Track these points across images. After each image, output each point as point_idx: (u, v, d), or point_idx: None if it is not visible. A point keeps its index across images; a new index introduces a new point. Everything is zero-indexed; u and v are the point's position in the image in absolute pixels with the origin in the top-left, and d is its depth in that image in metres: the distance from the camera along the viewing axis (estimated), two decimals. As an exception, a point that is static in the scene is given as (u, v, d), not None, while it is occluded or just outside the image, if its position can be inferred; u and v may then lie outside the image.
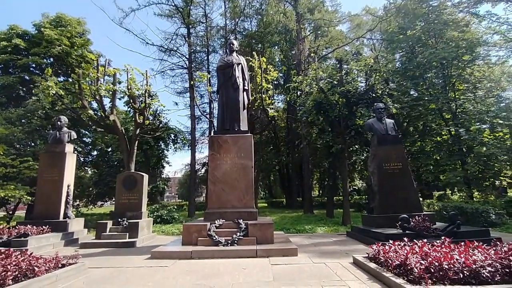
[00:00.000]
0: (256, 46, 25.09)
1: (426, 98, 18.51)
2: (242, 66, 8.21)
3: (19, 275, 3.97)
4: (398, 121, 20.26)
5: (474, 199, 15.59)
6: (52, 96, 11.51)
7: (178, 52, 21.74)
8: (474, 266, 3.36)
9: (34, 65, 19.28)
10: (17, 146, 15.33)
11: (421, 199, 25.44)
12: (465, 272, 3.35)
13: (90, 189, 20.44)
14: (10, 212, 15.72)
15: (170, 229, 11.57)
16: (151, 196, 21.05)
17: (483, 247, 4.03)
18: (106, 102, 14.48)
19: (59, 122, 9.07)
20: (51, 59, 20.10)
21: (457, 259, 3.50)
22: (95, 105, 16.66)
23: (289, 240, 6.76)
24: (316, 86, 13.60)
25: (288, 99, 19.36)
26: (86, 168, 22.91)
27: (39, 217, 8.01)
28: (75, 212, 22.30)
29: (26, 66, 18.40)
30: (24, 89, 18.46)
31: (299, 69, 20.53)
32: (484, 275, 3.30)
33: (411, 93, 20.19)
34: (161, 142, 18.52)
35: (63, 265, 4.66)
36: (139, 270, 4.90)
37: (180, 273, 4.58)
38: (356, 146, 15.63)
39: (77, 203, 23.49)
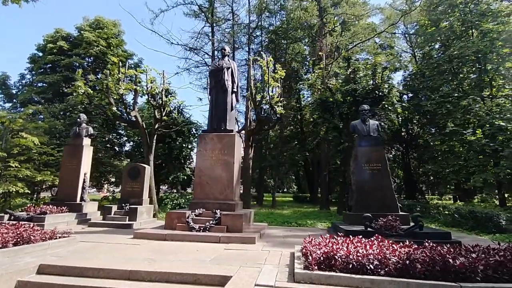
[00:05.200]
0: (280, 42, 25.45)
1: (456, 95, 17.73)
2: (232, 70, 8.94)
3: (20, 241, 5.21)
4: (433, 119, 19.65)
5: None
6: (82, 95, 13.20)
7: (202, 51, 22.96)
8: (360, 259, 3.83)
9: (77, 64, 21.63)
10: (59, 137, 17.58)
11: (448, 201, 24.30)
12: (354, 263, 3.85)
13: (126, 177, 22.56)
14: (55, 195, 18.22)
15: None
16: (174, 185, 22.73)
17: (400, 245, 4.42)
18: (130, 99, 16.04)
19: (79, 119, 10.64)
20: (91, 58, 22.42)
21: (351, 252, 3.99)
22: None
23: (259, 231, 7.46)
24: (322, 85, 13.87)
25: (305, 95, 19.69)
26: (121, 158, 25.22)
27: (60, 199, 9.64)
28: (111, 196, 24.87)
29: (69, 66, 20.77)
30: (67, 86, 20.87)
31: (325, 65, 20.61)
32: (369, 267, 3.77)
33: (440, 89, 19.38)
34: (182, 136, 19.93)
35: (58, 238, 5.86)
36: (117, 245, 5.98)
37: (144, 250, 5.55)
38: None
39: (113, 188, 26.09)
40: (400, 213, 7.95)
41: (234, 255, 5.24)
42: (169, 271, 4.10)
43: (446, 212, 13.54)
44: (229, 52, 9.30)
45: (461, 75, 19.49)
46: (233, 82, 8.92)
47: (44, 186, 15.68)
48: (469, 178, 17.01)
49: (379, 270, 3.79)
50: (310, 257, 4.01)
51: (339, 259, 3.91)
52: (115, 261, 4.64)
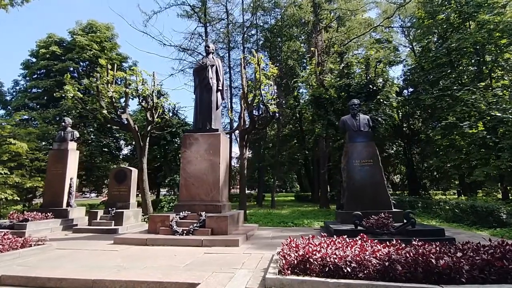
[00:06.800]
0: (275, 40, 25.16)
1: (455, 88, 17.39)
2: (216, 68, 8.69)
3: (-12, 251, 4.99)
4: (434, 113, 19.37)
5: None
6: (71, 99, 13.01)
7: (196, 51, 22.74)
8: (337, 262, 3.55)
9: (71, 69, 21.49)
10: (52, 142, 17.45)
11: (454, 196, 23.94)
12: (331, 266, 3.57)
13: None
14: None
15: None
16: (172, 188, 22.56)
17: (384, 245, 4.13)
18: (123, 101, 15.81)
19: (63, 123, 10.46)
20: (86, 63, 22.29)
21: (328, 254, 3.70)
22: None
23: (246, 233, 7.19)
24: (316, 81, 13.57)
25: (295, 94, 19.44)
26: (119, 161, 25.05)
27: (46, 205, 9.45)
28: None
29: (63, 70, 20.62)
30: (60, 91, 20.74)
31: (316, 62, 20.28)
32: (346, 270, 3.49)
33: (440, 82, 19.08)
34: (178, 138, 19.74)
35: (32, 245, 5.63)
36: (93, 252, 5.74)
37: (119, 256, 5.30)
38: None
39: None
40: (394, 210, 7.63)
41: (212, 260, 4.97)
42: (135, 279, 3.85)
43: (447, 208, 13.19)
44: (213, 50, 9.05)
45: (460, 68, 19.16)
46: (218, 80, 8.67)
47: (38, 193, 15.52)
48: (471, 172, 16.61)
49: (358, 273, 3.51)
50: (284, 261, 3.74)
51: (314, 262, 3.63)
52: (83, 269, 4.40)
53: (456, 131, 16.09)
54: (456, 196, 25.39)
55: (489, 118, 13.58)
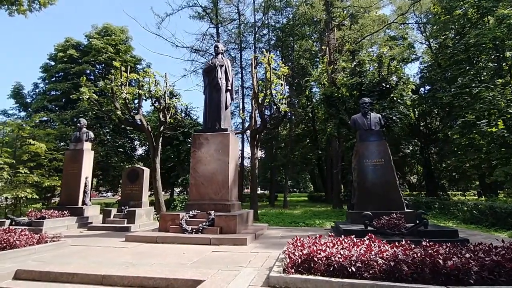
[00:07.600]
0: (287, 39, 25.07)
1: (474, 85, 16.90)
2: (225, 68, 8.74)
3: (7, 246, 5.21)
4: (451, 111, 18.92)
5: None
6: (87, 100, 13.40)
7: (208, 52, 22.93)
8: (341, 261, 3.51)
9: (88, 71, 22.10)
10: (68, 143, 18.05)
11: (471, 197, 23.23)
12: (335, 265, 3.54)
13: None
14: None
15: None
16: (185, 187, 22.85)
17: (392, 245, 4.05)
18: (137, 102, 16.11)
19: (79, 124, 10.78)
20: (101, 65, 22.87)
21: (333, 254, 3.67)
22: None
23: (255, 232, 7.20)
24: (327, 80, 13.44)
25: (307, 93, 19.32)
26: (134, 161, 25.57)
27: (63, 203, 9.78)
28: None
29: (80, 73, 21.24)
30: (77, 93, 21.39)
31: (328, 60, 20.10)
32: (350, 270, 3.45)
33: (458, 79, 18.56)
34: (190, 138, 20.00)
35: (47, 242, 5.84)
36: (105, 249, 5.89)
37: (129, 253, 5.43)
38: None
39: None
40: (406, 210, 7.46)
41: (219, 258, 5.02)
42: (142, 275, 3.93)
43: (465, 209, 12.80)
44: (222, 50, 9.11)
45: (479, 64, 18.60)
46: (227, 80, 8.72)
47: (56, 192, 16.06)
48: (491, 172, 16.03)
49: (363, 272, 3.46)
50: (288, 260, 3.73)
51: (319, 261, 3.61)
52: (94, 265, 4.53)
53: (475, 130, 15.57)
54: (476, 197, 24.62)
55: (508, 116, 13.12)
